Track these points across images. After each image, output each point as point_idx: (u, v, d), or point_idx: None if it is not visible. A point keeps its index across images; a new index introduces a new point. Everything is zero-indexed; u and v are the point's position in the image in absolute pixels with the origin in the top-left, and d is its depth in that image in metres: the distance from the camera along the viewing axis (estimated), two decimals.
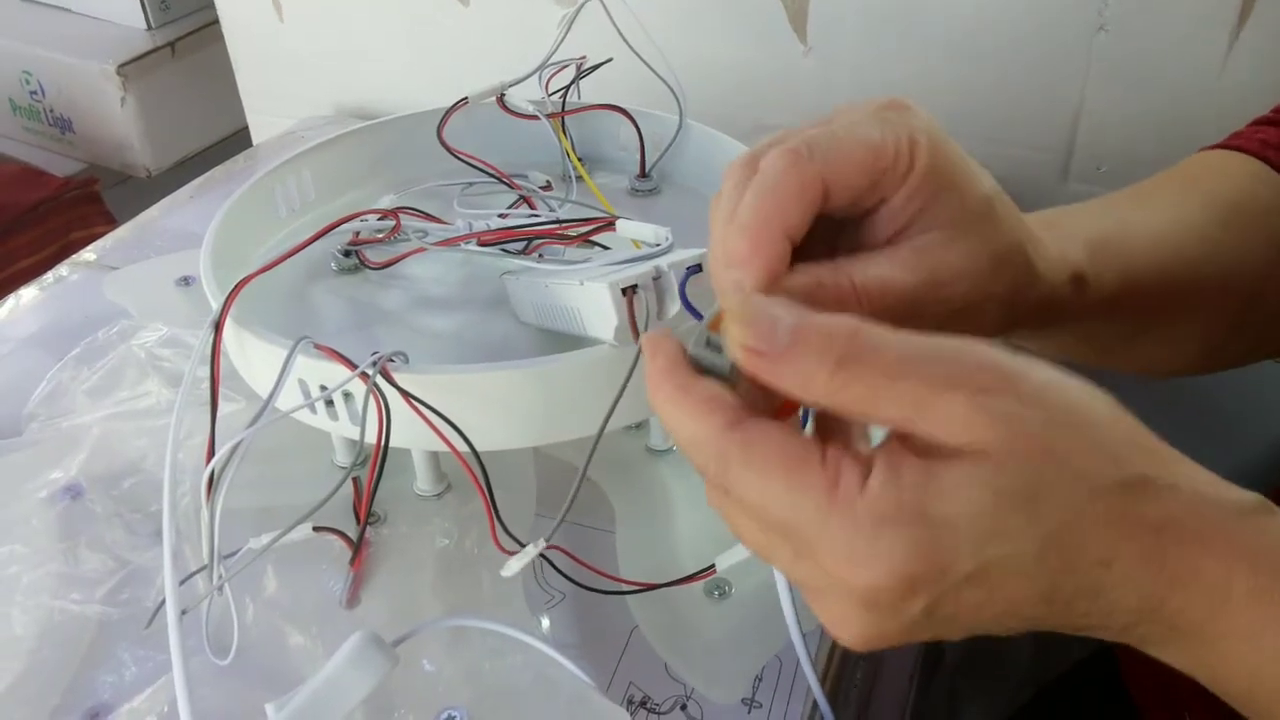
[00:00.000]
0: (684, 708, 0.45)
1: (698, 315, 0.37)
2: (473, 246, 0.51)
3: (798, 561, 0.30)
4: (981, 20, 0.72)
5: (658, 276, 0.42)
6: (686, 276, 0.41)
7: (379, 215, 0.55)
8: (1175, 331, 0.46)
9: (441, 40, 0.90)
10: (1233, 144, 0.49)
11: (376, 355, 0.43)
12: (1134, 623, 0.29)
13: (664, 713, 0.45)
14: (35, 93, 1.30)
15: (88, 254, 0.75)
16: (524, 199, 0.60)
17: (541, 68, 0.61)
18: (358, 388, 0.44)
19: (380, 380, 0.43)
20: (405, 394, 0.43)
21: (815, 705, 0.45)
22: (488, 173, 0.61)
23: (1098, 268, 0.41)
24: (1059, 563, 0.28)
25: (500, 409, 0.46)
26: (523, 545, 0.44)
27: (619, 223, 0.49)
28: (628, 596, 0.48)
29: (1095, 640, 0.30)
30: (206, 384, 0.45)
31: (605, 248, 0.52)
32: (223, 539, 0.43)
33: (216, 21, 1.00)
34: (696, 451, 0.30)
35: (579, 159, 0.63)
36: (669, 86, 0.62)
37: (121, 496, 0.53)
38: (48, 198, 1.19)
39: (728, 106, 0.74)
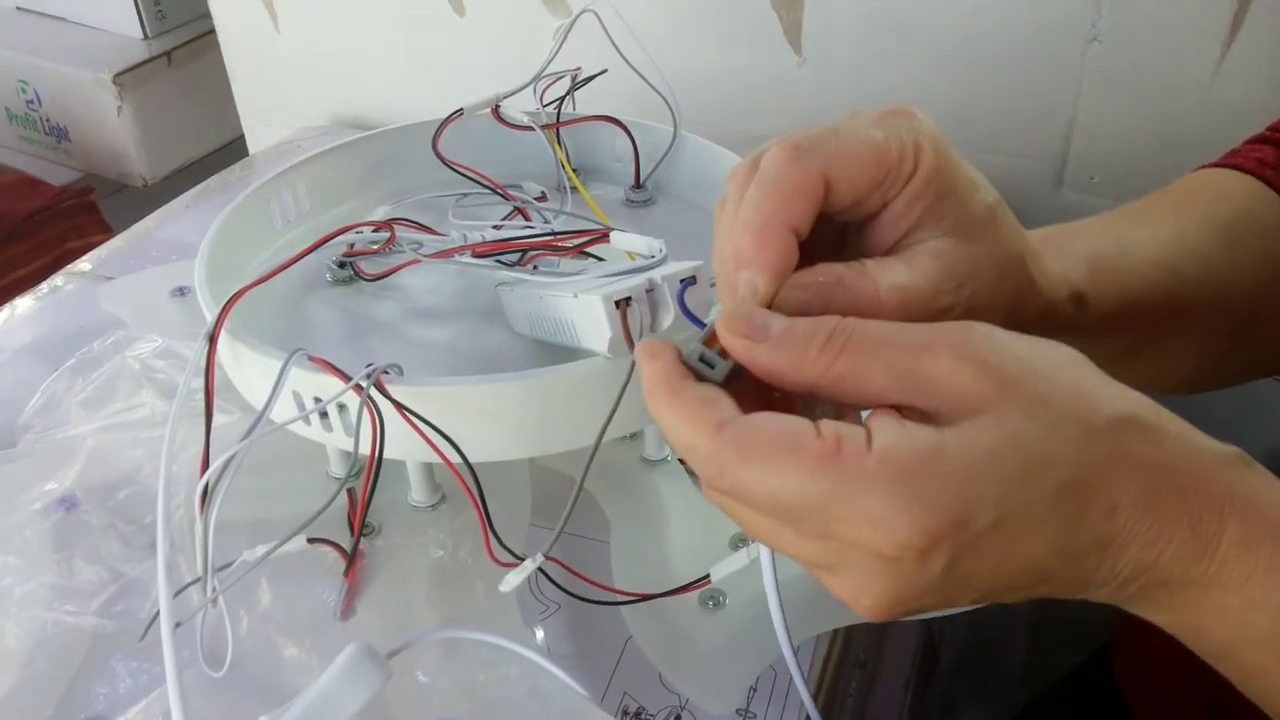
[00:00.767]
0: (679, 718, 0.45)
1: (699, 323, 0.37)
2: (467, 258, 0.51)
3: (805, 541, 0.30)
4: (975, 31, 0.73)
5: (651, 289, 0.42)
6: (683, 288, 0.41)
7: (374, 227, 0.55)
8: (1174, 349, 0.46)
9: (437, 51, 0.90)
10: (1230, 163, 0.50)
11: (371, 367, 0.43)
12: (1132, 577, 0.29)
13: None
14: (31, 102, 1.30)
15: (83, 264, 0.75)
16: (519, 210, 0.60)
17: (536, 79, 0.62)
18: (352, 400, 0.44)
19: (374, 392, 0.43)
20: (399, 406, 0.43)
21: (809, 717, 0.45)
22: (482, 184, 0.62)
23: (1098, 286, 0.41)
24: (1073, 507, 0.28)
25: (494, 421, 0.46)
26: (517, 557, 0.44)
27: (613, 235, 0.49)
28: (622, 607, 0.48)
29: (1089, 645, 0.30)
30: (201, 396, 0.45)
31: (600, 259, 0.53)
32: (217, 551, 0.43)
33: (213, 31, 1.01)
34: (692, 455, 0.30)
35: (574, 170, 0.63)
36: (663, 98, 0.62)
37: (116, 508, 0.53)
38: (44, 207, 1.19)
39: (722, 117, 0.74)
